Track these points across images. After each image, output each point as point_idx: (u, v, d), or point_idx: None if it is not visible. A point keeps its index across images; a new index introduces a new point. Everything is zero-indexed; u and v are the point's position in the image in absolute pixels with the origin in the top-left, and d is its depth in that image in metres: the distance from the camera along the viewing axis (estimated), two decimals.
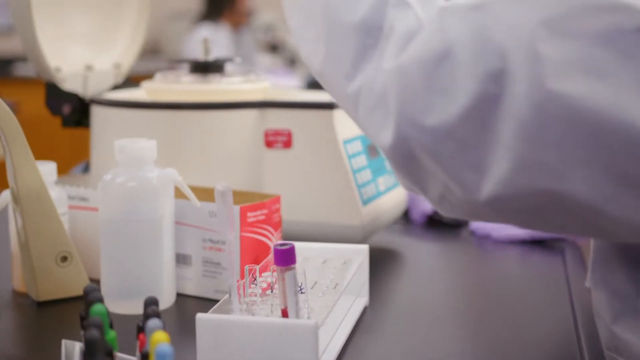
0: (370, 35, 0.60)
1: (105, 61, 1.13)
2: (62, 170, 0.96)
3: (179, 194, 0.81)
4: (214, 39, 4.23)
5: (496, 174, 0.51)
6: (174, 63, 1.14)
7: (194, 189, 0.81)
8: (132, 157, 0.78)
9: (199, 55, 1.07)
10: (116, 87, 1.13)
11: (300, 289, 0.64)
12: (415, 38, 0.55)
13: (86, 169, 1.16)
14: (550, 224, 0.54)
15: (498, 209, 0.53)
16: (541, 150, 0.49)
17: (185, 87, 1.00)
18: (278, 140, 0.96)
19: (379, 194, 0.98)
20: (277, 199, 0.83)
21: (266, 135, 0.96)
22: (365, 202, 0.94)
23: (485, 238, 1.07)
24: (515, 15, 0.50)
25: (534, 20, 0.49)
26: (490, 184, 0.52)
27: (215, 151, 0.95)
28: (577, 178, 0.48)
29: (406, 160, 0.57)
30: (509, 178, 0.50)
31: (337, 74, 0.62)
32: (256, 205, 0.80)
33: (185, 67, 1.05)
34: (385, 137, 0.57)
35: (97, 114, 1.01)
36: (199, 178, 0.90)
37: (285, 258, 0.61)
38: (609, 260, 0.61)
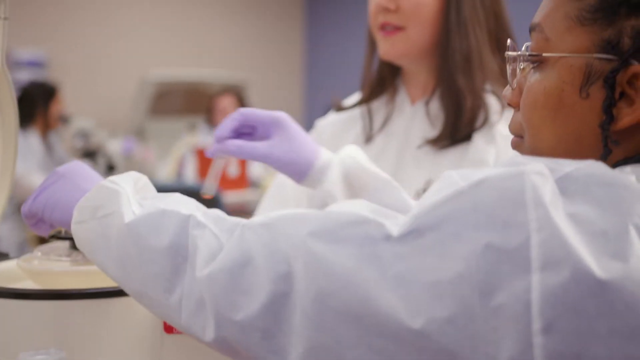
0: (179, 254, 0.71)
1: None
2: None
3: None
4: (24, 146, 4.03)
5: (293, 356, 0.62)
6: (51, 237, 1.06)
7: None
8: None
9: None
10: None
11: None
12: (221, 250, 0.68)
13: None
14: None
15: None
16: (322, 335, 0.60)
17: (70, 269, 0.93)
18: None
19: None
20: None
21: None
22: None
23: None
24: (291, 230, 0.64)
25: (304, 232, 0.63)
26: None
27: (110, 341, 0.89)
28: (350, 357, 0.59)
29: (228, 350, 0.68)
30: (302, 359, 0.62)
31: (158, 291, 0.73)
32: None
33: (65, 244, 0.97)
34: (209, 334, 0.68)
35: None
36: None
37: None
38: None
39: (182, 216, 0.73)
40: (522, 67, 0.80)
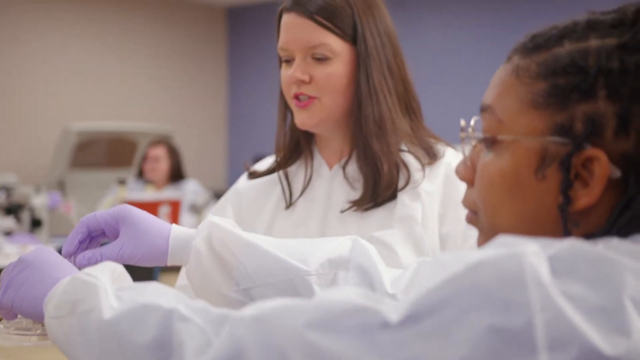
0: (163, 349, 0.70)
1: None
2: None
3: None
4: None
5: None
6: None
7: None
8: None
9: None
10: None
11: None
12: (208, 343, 0.67)
13: None
14: None
15: None
16: None
17: (41, 343, 0.94)
18: None
19: None
20: None
21: None
22: None
23: None
24: (286, 322, 0.63)
25: (300, 324, 0.62)
26: None
27: None
28: None
29: None
30: None
31: None
32: None
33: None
34: None
35: None
36: None
37: None
38: None
39: (165, 310, 0.71)
40: (473, 144, 0.79)
